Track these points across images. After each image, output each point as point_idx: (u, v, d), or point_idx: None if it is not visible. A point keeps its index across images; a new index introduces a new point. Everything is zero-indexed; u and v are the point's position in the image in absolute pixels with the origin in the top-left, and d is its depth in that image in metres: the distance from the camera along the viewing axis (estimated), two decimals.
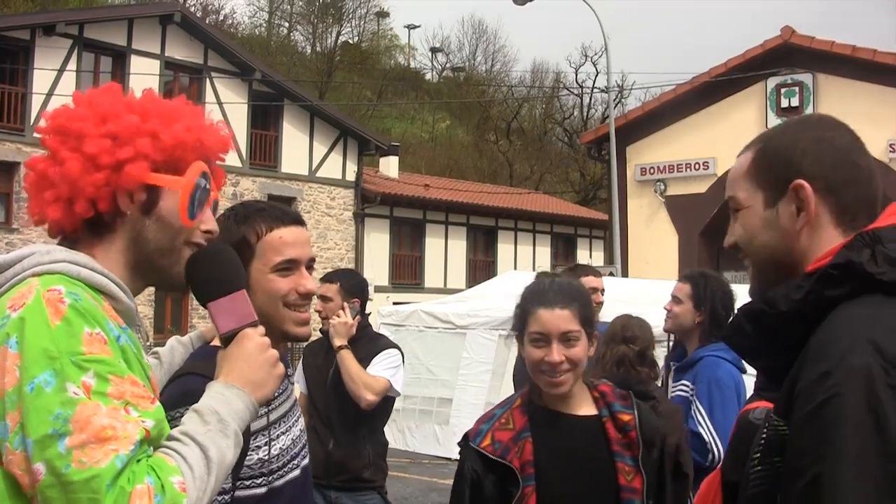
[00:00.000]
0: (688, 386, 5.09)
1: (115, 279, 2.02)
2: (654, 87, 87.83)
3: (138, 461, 1.79)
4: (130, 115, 2.06)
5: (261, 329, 2.16)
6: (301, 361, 6.09)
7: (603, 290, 6.41)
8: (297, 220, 2.71)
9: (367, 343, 5.74)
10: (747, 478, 1.93)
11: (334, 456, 5.58)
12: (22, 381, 1.76)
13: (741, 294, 2.05)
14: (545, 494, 3.14)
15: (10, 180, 26.72)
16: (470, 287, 22.86)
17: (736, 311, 2.04)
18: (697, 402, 4.97)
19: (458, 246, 38.70)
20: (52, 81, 27.29)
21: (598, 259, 40.76)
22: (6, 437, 1.77)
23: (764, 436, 1.90)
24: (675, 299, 5.23)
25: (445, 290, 32.09)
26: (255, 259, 2.59)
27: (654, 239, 24.34)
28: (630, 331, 4.71)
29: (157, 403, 1.91)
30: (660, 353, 5.13)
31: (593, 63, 61.46)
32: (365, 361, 5.59)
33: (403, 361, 5.80)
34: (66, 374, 1.77)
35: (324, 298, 5.80)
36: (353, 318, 5.69)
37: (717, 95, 23.40)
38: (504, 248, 40.60)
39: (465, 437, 3.32)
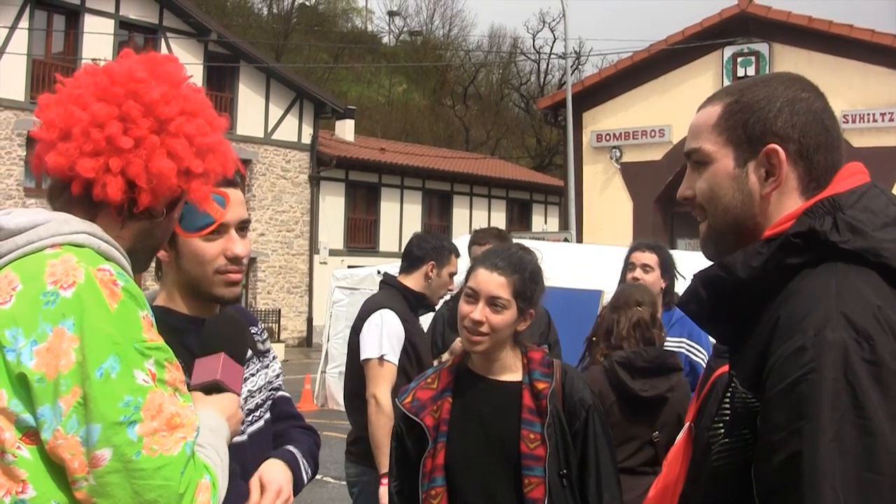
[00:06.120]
0: (672, 341, 5.33)
1: (124, 252, 2.00)
2: (611, 53, 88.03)
3: (194, 459, 1.85)
4: (215, 133, 2.11)
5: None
6: (401, 329, 5.35)
7: None
8: (224, 183, 2.55)
9: None
10: (707, 447, 1.88)
11: None
12: (87, 365, 1.75)
13: (698, 261, 2.01)
14: (453, 453, 3.30)
15: None
16: None
17: (692, 278, 1.97)
18: (700, 347, 5.41)
19: (414, 210, 38.59)
20: (4, 39, 26.82)
21: (552, 225, 40.82)
22: (58, 421, 1.74)
23: (728, 406, 1.85)
24: (646, 267, 5.46)
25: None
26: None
27: (608, 205, 24.38)
28: (639, 295, 4.79)
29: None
30: None
31: (551, 29, 61.64)
32: None
33: None
34: (131, 360, 1.78)
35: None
36: None
37: (673, 64, 23.41)
38: (459, 213, 40.54)
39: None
